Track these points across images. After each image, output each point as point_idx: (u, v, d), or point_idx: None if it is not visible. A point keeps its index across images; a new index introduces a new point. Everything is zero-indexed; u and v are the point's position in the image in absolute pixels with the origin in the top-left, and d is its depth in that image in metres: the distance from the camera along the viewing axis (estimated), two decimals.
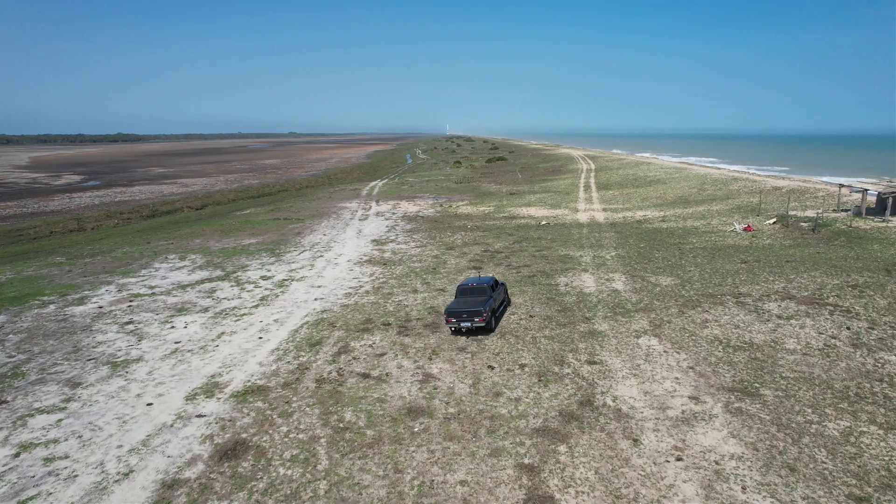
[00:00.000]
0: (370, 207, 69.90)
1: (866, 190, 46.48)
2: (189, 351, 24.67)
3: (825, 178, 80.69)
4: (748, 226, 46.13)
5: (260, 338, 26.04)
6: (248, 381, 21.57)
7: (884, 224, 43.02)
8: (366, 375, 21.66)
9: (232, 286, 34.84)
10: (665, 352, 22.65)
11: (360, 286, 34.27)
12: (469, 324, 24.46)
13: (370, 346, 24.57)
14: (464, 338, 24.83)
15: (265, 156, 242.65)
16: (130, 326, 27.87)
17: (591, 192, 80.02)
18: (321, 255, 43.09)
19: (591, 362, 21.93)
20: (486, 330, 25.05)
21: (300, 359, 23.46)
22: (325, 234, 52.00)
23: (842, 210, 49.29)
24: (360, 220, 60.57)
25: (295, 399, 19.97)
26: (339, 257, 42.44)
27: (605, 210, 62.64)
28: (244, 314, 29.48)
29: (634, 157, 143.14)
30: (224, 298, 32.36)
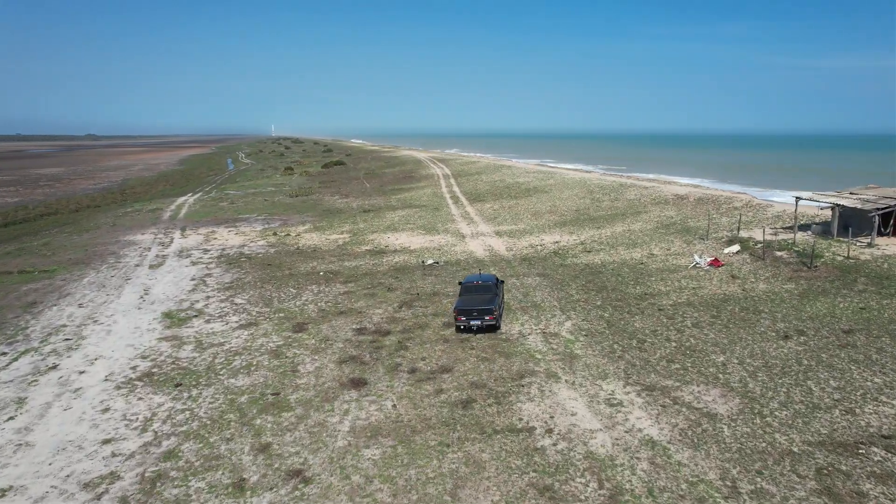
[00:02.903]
0: (171, 241, 48.79)
1: (839, 205, 36.53)
2: None
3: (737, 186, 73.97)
4: (715, 259, 33.82)
5: None
6: None
7: (880, 252, 32.90)
8: None
9: None
10: None
11: (115, 475, 15.47)
12: (479, 322, 23.58)
13: None
14: None
15: (46, 163, 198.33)
16: None
17: (464, 205, 65.39)
18: (54, 367, 22.89)
19: None
20: (494, 328, 24.01)
21: None
22: (81, 305, 31.18)
23: (800, 229, 39.22)
24: (150, 266, 39.86)
25: None
26: (89, 368, 22.66)
27: (499, 234, 47.95)
28: None
29: (488, 161, 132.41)
30: None
